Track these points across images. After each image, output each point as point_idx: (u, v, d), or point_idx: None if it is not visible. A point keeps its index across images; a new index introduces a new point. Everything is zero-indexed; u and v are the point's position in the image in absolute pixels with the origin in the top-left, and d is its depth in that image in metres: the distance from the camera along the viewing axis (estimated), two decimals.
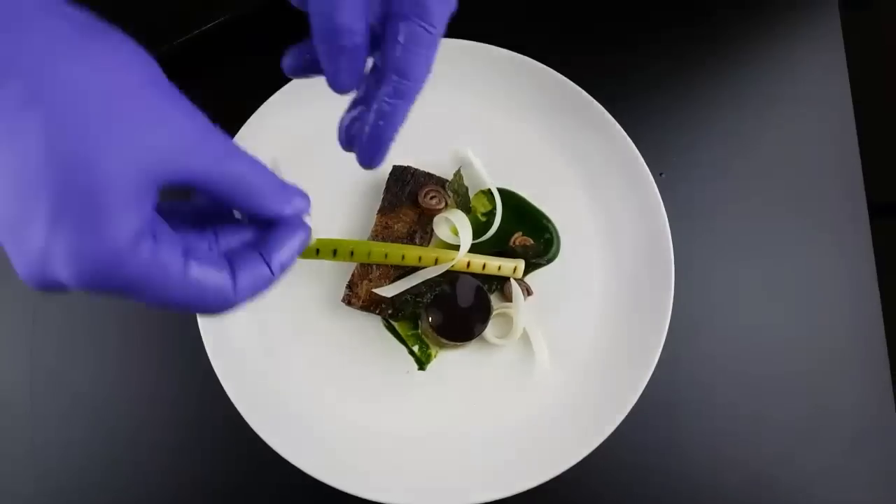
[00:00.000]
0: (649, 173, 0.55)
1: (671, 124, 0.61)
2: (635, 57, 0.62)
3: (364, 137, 0.38)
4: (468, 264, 0.53)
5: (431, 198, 0.54)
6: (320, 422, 0.52)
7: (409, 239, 0.54)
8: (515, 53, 0.56)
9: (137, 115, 0.27)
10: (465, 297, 0.52)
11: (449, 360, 0.54)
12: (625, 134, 0.55)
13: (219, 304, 0.30)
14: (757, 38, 0.64)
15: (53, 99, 0.25)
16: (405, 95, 0.36)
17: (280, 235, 0.33)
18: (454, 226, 0.54)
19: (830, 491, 0.55)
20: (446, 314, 0.52)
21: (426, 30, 0.35)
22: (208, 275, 0.30)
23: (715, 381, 0.56)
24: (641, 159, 0.55)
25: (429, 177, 0.55)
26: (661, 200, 0.54)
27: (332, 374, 0.53)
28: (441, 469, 0.51)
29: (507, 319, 0.55)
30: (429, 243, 0.56)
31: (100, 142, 0.25)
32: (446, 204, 0.55)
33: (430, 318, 0.51)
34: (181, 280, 0.28)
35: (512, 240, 0.56)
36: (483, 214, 0.56)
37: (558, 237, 0.56)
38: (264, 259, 0.32)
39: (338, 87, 0.36)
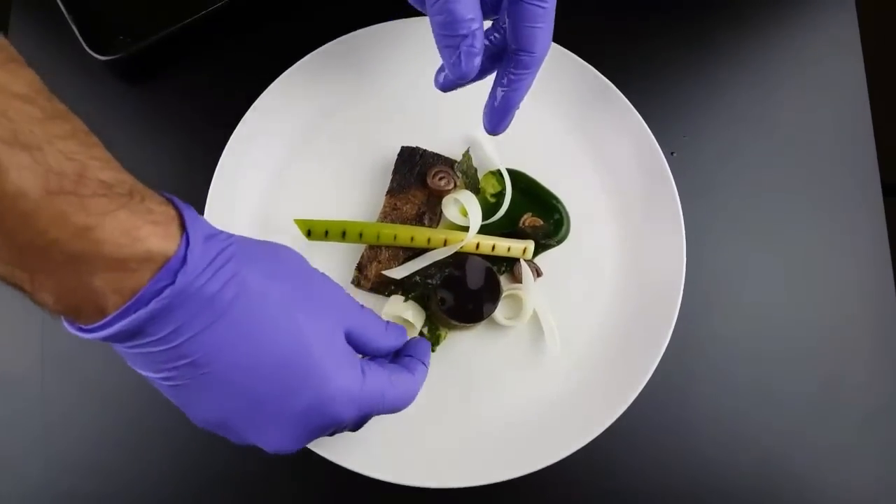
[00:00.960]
0: (661, 152, 0.54)
1: (682, 103, 0.60)
2: (646, 35, 0.61)
3: (493, 105, 0.44)
4: (477, 245, 0.53)
5: (440, 179, 0.54)
6: None
7: (418, 220, 0.54)
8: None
9: (331, 303, 0.37)
10: (474, 278, 0.52)
11: (458, 342, 0.54)
12: (636, 112, 0.54)
13: (412, 398, 0.41)
14: (770, 16, 0.63)
15: (293, 306, 0.34)
16: (529, 66, 0.41)
17: (418, 345, 0.43)
18: (463, 207, 0.53)
19: (842, 469, 0.54)
20: (456, 295, 0.51)
21: (540, 6, 0.39)
22: (404, 377, 0.40)
23: (726, 360, 0.56)
24: (653, 138, 0.54)
25: (437, 157, 0.55)
26: (672, 180, 0.54)
27: None
28: (450, 450, 0.51)
29: (517, 301, 0.54)
30: (438, 224, 0.55)
31: (327, 324, 0.36)
32: (455, 185, 0.54)
33: (440, 300, 0.51)
34: (390, 384, 0.39)
35: (521, 221, 0.55)
36: (492, 196, 0.56)
37: (568, 218, 0.56)
38: (419, 360, 0.42)
39: (458, 74, 0.40)
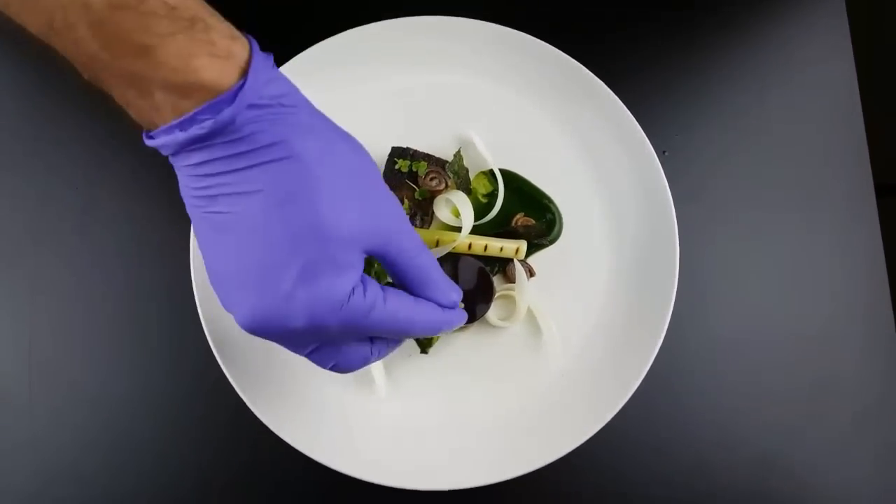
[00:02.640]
0: (653, 151, 0.54)
1: (674, 102, 0.60)
2: (637, 34, 0.61)
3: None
4: (469, 246, 0.53)
5: (431, 179, 0.54)
6: (321, 407, 0.51)
7: (410, 220, 0.53)
8: (515, 31, 0.55)
9: (368, 194, 0.35)
10: (467, 278, 0.52)
11: (452, 343, 0.53)
12: (627, 111, 0.54)
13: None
14: (761, 16, 0.63)
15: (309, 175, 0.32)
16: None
17: (452, 317, 0.41)
18: (455, 207, 0.53)
19: (838, 466, 0.54)
20: None
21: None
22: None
23: (720, 360, 0.55)
24: (645, 137, 0.54)
25: (428, 158, 0.55)
26: (664, 178, 0.53)
27: None
28: (445, 451, 0.51)
29: (510, 301, 0.54)
30: (430, 225, 0.55)
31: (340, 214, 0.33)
32: (447, 185, 0.54)
33: None
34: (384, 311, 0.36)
35: (514, 220, 0.55)
36: (484, 196, 0.56)
37: (561, 217, 0.55)
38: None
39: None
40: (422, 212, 0.54)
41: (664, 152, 0.58)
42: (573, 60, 0.55)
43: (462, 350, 0.53)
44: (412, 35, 0.55)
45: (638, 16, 0.62)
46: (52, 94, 0.57)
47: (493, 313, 0.53)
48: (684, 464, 0.54)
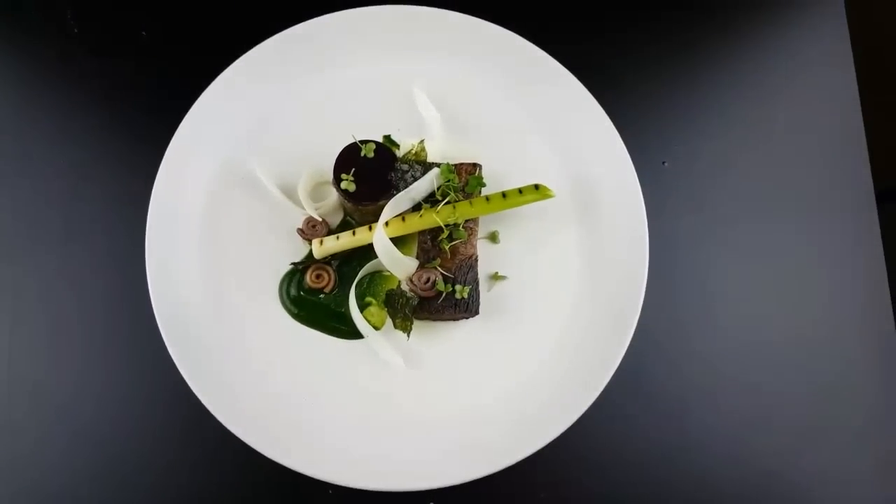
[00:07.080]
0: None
1: (674, 112, 0.58)
2: (638, 43, 0.60)
3: None
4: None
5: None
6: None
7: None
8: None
9: None
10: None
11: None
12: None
13: None
14: (761, 25, 0.62)
15: None
16: None
17: None
18: None
19: (839, 473, 0.51)
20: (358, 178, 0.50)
21: None
22: None
23: (723, 370, 0.53)
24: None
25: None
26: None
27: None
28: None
29: None
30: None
31: None
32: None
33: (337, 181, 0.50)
34: None
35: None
36: None
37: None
38: None
39: None
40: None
41: (663, 163, 0.56)
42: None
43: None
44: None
45: (640, 27, 0.61)
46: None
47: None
48: (687, 472, 0.51)
